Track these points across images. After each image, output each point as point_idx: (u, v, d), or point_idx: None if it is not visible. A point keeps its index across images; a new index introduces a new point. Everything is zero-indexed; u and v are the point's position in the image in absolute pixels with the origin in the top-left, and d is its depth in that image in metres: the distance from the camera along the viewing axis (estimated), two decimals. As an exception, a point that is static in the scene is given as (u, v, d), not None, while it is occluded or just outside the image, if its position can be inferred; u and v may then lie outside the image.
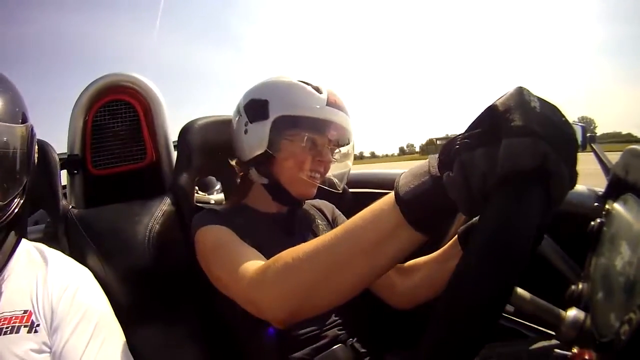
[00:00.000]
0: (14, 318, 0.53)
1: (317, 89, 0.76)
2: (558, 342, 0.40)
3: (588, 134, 0.80)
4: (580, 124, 0.84)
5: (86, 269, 0.64)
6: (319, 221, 0.84)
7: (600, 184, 0.72)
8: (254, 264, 0.55)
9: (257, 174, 0.78)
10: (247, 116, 0.77)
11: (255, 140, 0.75)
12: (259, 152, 0.75)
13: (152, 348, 0.63)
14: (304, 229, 0.80)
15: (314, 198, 0.82)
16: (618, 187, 0.49)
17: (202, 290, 0.69)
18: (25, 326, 0.53)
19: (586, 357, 0.32)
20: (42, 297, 0.56)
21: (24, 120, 0.55)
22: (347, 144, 0.82)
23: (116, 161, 0.89)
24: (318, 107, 0.74)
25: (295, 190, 0.76)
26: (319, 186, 0.77)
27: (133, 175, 0.89)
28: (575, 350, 0.35)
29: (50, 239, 0.69)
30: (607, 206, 0.49)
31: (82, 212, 0.77)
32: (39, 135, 0.60)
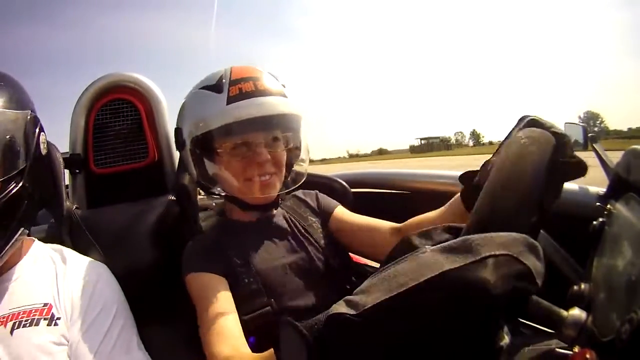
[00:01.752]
0: (33, 311, 0.54)
1: (217, 88, 0.67)
2: (559, 341, 0.40)
3: (589, 134, 0.79)
4: (581, 124, 0.84)
5: (103, 264, 0.66)
6: (311, 218, 0.78)
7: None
8: (224, 343, 0.55)
9: (208, 197, 0.76)
10: (176, 147, 0.75)
11: (190, 169, 0.73)
12: (195, 180, 0.73)
13: (155, 347, 0.63)
14: (287, 231, 0.74)
15: (304, 188, 0.79)
16: (620, 187, 0.49)
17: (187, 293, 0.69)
18: (45, 319, 0.54)
19: (587, 356, 0.32)
20: (62, 290, 0.58)
21: (22, 108, 0.57)
22: (283, 126, 0.71)
23: (118, 160, 0.89)
24: (219, 111, 0.65)
25: (250, 199, 0.71)
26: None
27: (135, 175, 0.89)
28: (576, 349, 0.35)
29: (53, 239, 0.69)
30: (608, 206, 0.49)
31: (85, 213, 0.78)
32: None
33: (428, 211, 0.67)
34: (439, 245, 0.29)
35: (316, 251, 0.73)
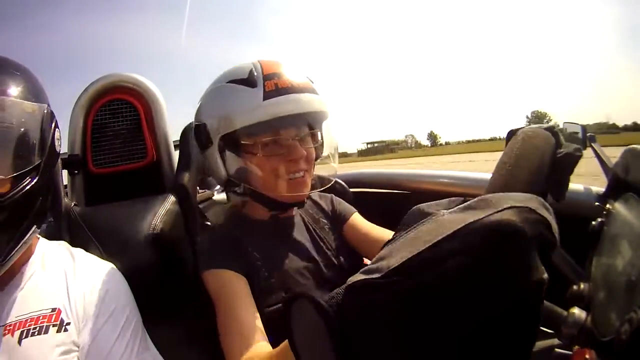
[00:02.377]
0: (41, 317, 0.52)
1: (250, 82, 0.65)
2: (559, 341, 0.40)
3: (588, 134, 0.79)
4: (579, 123, 0.84)
5: (112, 264, 0.64)
6: (323, 220, 0.78)
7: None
8: (245, 344, 0.55)
9: (234, 196, 0.73)
10: (198, 144, 0.71)
11: (214, 166, 0.70)
12: (224, 178, 0.70)
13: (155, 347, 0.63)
14: (304, 232, 0.74)
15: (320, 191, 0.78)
16: (618, 186, 0.49)
17: (203, 290, 0.69)
18: (54, 325, 0.52)
19: (587, 356, 0.33)
20: (73, 292, 0.56)
21: (38, 101, 0.55)
22: (317, 123, 0.70)
23: (117, 160, 0.89)
24: (255, 107, 0.63)
25: (281, 197, 0.68)
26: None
27: (133, 175, 0.89)
28: (575, 349, 0.35)
29: (52, 238, 0.69)
30: (607, 206, 0.49)
31: (84, 210, 0.77)
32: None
33: None
34: (455, 207, 0.27)
35: (330, 255, 0.72)
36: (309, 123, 0.68)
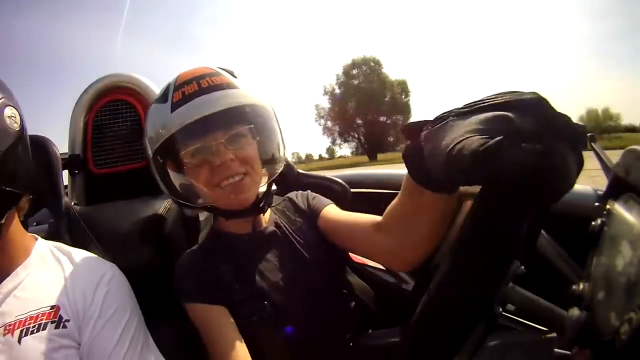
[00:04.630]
0: (40, 315, 0.52)
1: (163, 97, 0.63)
2: (558, 341, 0.40)
3: (588, 134, 0.79)
4: (581, 123, 0.84)
5: (113, 263, 0.64)
6: (298, 220, 0.73)
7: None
8: None
9: (187, 209, 0.72)
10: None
11: (161, 186, 0.68)
12: (168, 194, 0.68)
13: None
14: (283, 239, 0.71)
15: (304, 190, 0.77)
16: (619, 186, 0.49)
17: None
18: (52, 322, 0.52)
19: (586, 356, 0.32)
20: (72, 292, 0.55)
21: None
22: (241, 119, 0.63)
23: (117, 160, 0.89)
24: (166, 120, 0.61)
25: (224, 205, 0.65)
26: None
27: (133, 175, 0.90)
28: (575, 349, 0.35)
29: (52, 237, 0.69)
30: (607, 206, 0.48)
31: (84, 209, 0.78)
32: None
33: None
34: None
35: (309, 256, 0.70)
36: (231, 121, 0.62)
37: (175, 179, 0.66)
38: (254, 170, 0.65)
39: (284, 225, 0.72)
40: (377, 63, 34.55)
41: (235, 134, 0.63)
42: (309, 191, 0.79)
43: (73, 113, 0.87)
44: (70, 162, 0.86)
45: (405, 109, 34.61)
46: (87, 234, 0.73)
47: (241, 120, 0.63)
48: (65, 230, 0.74)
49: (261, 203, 0.68)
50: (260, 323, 0.63)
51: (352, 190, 1.01)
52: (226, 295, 0.64)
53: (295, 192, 0.79)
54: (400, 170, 1.15)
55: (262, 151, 0.67)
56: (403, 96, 34.87)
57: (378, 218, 0.63)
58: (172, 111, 0.60)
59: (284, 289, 0.67)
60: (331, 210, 0.74)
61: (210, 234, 0.74)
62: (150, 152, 0.66)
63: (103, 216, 0.78)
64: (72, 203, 0.80)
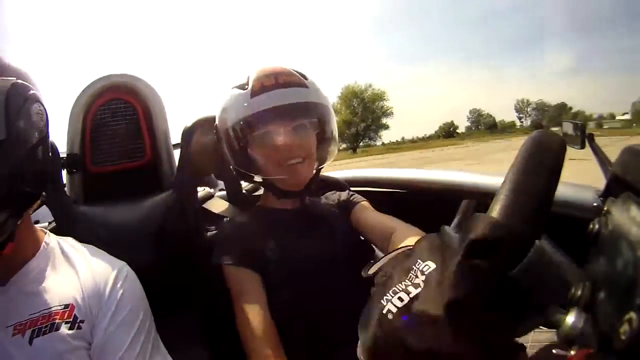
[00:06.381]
0: (53, 314, 0.50)
1: (242, 86, 0.76)
2: (558, 341, 0.40)
3: (587, 133, 0.79)
4: (578, 122, 0.84)
5: (123, 262, 0.62)
6: (335, 211, 0.84)
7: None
8: (262, 343, 0.64)
9: (246, 180, 0.82)
10: (216, 137, 0.82)
11: (225, 160, 0.80)
12: (232, 165, 0.80)
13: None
14: (320, 222, 0.80)
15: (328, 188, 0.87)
16: (617, 186, 0.49)
17: (205, 288, 0.69)
18: (66, 322, 0.50)
19: (586, 357, 0.32)
20: (86, 290, 0.54)
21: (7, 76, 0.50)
22: (306, 113, 0.76)
23: (115, 159, 0.89)
24: (245, 105, 0.73)
25: (281, 183, 0.76)
26: None
27: (132, 174, 0.90)
28: (574, 350, 0.35)
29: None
30: (606, 206, 0.49)
31: (85, 208, 0.78)
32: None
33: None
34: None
35: (340, 246, 0.77)
36: (299, 113, 0.74)
37: (244, 152, 0.76)
38: (310, 158, 0.76)
39: (323, 210, 0.83)
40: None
41: (301, 124, 0.74)
42: (350, 189, 0.91)
43: (71, 112, 0.87)
44: (69, 161, 0.86)
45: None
46: (87, 232, 0.73)
47: (307, 114, 0.75)
48: (68, 228, 0.74)
49: (309, 188, 0.79)
50: (285, 292, 0.69)
51: (352, 189, 1.01)
52: (262, 262, 0.71)
53: (336, 191, 0.90)
54: (400, 170, 1.16)
55: (319, 142, 0.79)
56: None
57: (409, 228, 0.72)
58: (251, 97, 0.73)
59: (311, 267, 0.72)
60: (363, 209, 0.84)
61: (254, 212, 0.83)
62: (226, 126, 0.77)
63: (104, 214, 0.78)
64: (73, 201, 0.80)
